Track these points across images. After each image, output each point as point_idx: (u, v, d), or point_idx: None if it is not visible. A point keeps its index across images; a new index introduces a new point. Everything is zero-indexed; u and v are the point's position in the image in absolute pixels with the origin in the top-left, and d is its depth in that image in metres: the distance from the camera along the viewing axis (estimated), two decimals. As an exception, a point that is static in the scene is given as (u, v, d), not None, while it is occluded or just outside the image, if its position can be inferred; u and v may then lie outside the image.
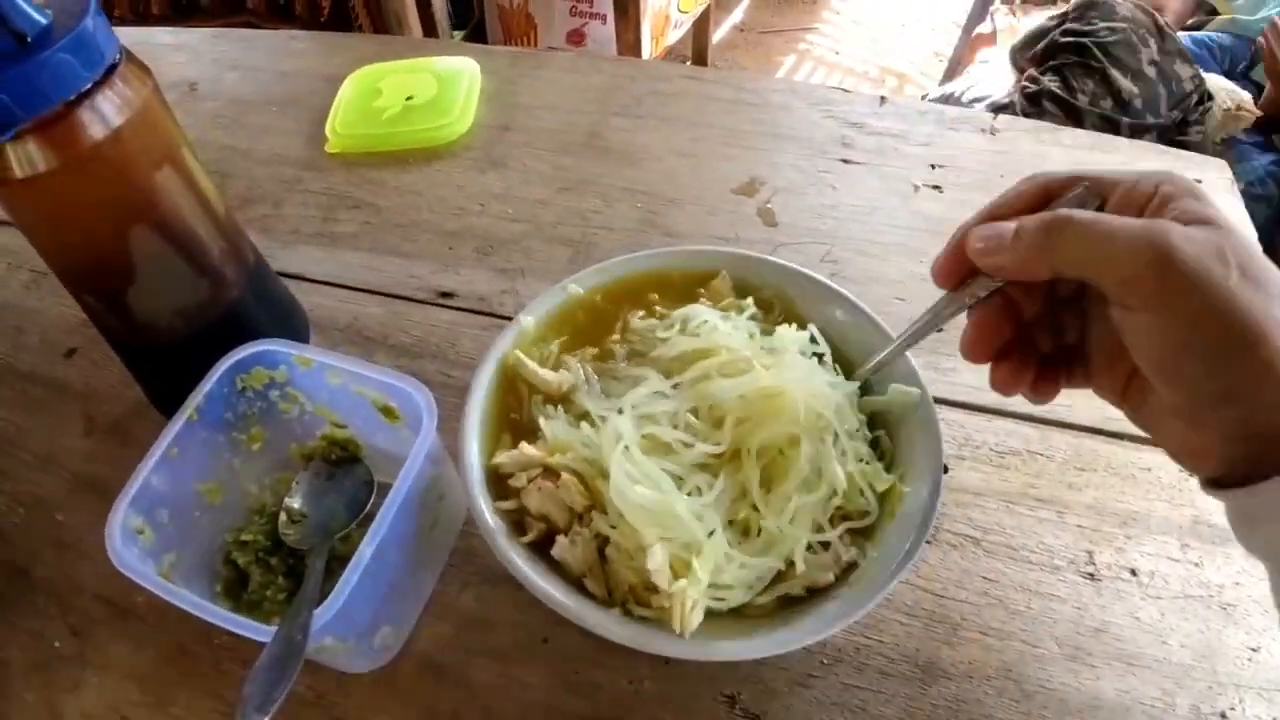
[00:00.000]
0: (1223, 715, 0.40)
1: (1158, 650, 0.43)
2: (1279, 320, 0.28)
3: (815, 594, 0.39)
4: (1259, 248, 0.30)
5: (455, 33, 2.08)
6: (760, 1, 3.04)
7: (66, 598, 0.46)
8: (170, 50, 0.90)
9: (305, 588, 0.37)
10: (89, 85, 0.37)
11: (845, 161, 0.69)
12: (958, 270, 0.36)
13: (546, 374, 0.44)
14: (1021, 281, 0.34)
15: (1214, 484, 0.32)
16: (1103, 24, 1.65)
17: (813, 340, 0.46)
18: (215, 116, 0.79)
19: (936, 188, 0.67)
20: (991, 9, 2.54)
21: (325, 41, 0.90)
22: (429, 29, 1.77)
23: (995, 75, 2.04)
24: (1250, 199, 1.77)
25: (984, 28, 2.48)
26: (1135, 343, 0.31)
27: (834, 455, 0.40)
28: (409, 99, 0.75)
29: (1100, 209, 0.33)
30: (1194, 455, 0.33)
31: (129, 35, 0.92)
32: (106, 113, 0.38)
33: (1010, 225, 0.33)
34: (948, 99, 2.02)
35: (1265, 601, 0.44)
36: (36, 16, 0.35)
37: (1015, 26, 2.43)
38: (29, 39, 0.35)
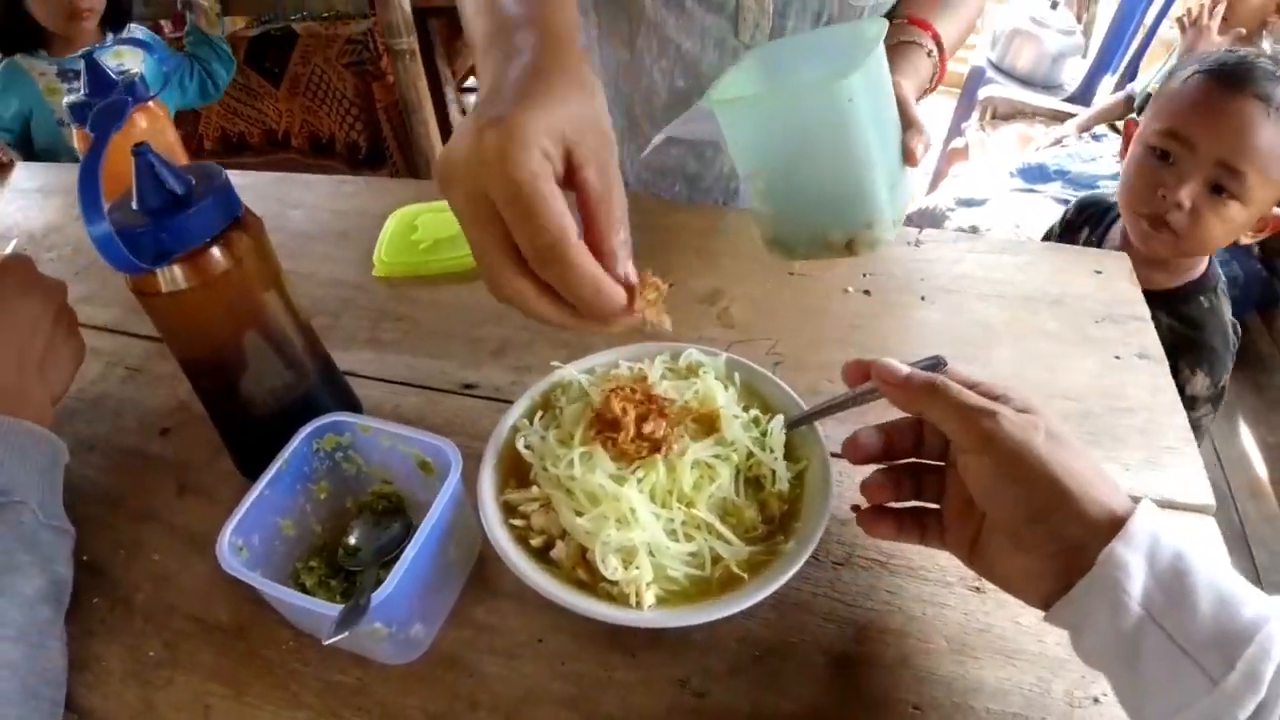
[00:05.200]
0: (1095, 700, 0.48)
1: (1035, 646, 0.51)
2: (1072, 469, 0.41)
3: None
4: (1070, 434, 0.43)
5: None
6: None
7: (161, 619, 0.56)
8: (240, 190, 1.07)
9: (364, 582, 0.50)
10: (221, 230, 0.53)
11: (791, 274, 0.84)
12: (862, 377, 0.50)
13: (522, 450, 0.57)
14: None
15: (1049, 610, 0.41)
16: None
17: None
18: (281, 246, 0.92)
19: (866, 292, 0.81)
20: (964, 125, 2.77)
21: (371, 185, 1.08)
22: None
23: (967, 186, 2.21)
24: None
25: (958, 143, 2.70)
26: (971, 478, 0.44)
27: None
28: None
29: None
30: (1029, 579, 0.42)
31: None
32: (232, 248, 0.53)
33: (906, 369, 0.47)
34: (923, 211, 2.20)
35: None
36: (186, 179, 0.51)
37: (985, 141, 2.64)
38: (180, 195, 0.51)
